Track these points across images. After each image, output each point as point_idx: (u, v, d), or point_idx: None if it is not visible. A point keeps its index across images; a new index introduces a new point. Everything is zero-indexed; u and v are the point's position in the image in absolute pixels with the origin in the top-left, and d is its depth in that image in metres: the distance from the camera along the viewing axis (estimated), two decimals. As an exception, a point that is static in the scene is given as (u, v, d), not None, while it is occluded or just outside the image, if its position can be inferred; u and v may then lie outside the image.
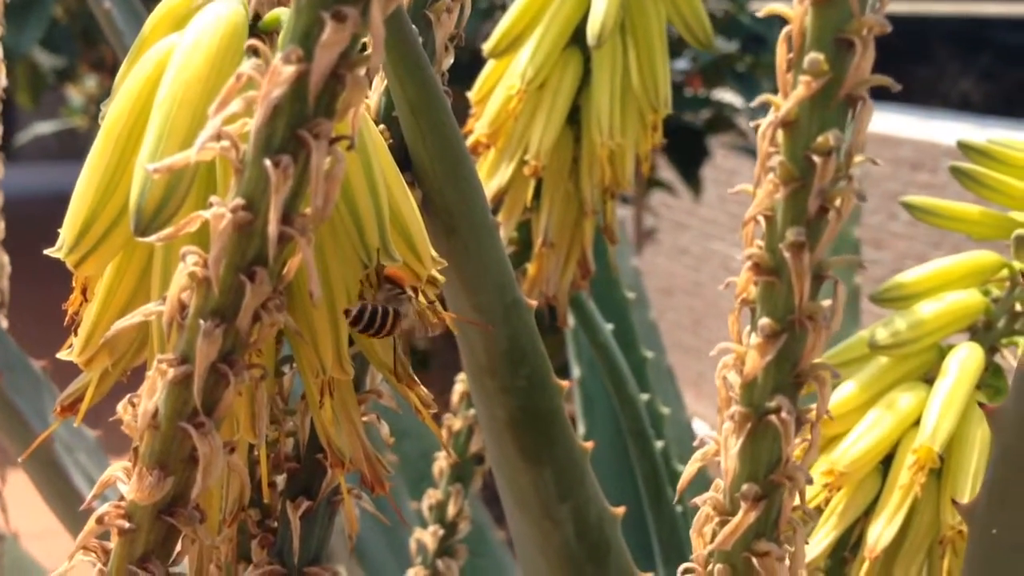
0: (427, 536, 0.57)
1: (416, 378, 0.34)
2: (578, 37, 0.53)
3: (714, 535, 0.27)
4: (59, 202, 0.33)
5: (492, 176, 0.53)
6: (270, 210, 0.23)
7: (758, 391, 0.26)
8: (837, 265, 0.25)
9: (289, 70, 0.22)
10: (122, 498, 0.27)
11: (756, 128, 0.25)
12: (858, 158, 0.25)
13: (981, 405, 0.41)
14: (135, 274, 0.30)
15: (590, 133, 0.52)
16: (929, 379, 0.47)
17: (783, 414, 0.25)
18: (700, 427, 2.68)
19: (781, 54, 0.24)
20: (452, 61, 0.37)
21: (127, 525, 0.27)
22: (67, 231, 0.29)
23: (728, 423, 0.26)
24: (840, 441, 0.45)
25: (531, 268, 0.54)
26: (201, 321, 0.25)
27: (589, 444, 0.45)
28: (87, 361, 0.31)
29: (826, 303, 0.25)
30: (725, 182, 2.72)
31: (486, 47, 0.53)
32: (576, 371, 0.75)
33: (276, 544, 0.38)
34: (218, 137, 0.23)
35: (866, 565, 0.44)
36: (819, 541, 0.44)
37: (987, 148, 0.49)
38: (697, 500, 0.27)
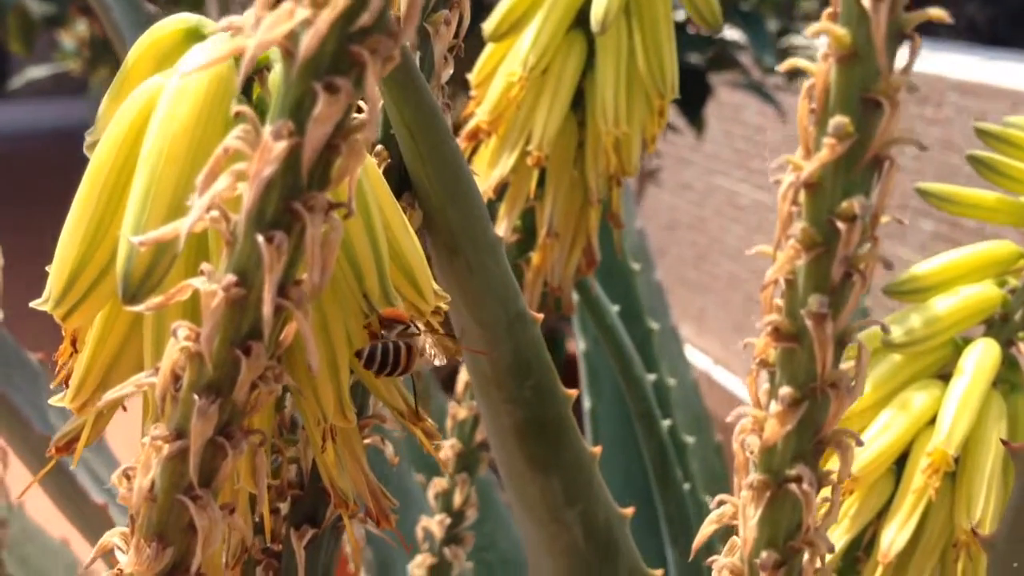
0: (433, 524, 0.57)
1: (421, 413, 0.33)
2: (581, 19, 0.51)
3: (731, 599, 0.26)
4: (53, 139, 0.31)
5: (494, 165, 0.51)
6: (264, 287, 0.22)
7: (778, 458, 0.25)
8: (859, 329, 0.24)
9: (280, 146, 0.21)
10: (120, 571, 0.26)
11: (762, 68, 0.24)
12: (885, 218, 0.23)
13: (1004, 443, 0.39)
14: (126, 320, 0.29)
15: (595, 121, 0.50)
16: (944, 375, 0.46)
17: (804, 485, 0.24)
18: (703, 361, 2.68)
19: (803, 110, 0.23)
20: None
21: (126, 595, 0.26)
22: (53, 283, 0.28)
23: (746, 491, 0.25)
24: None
25: (535, 257, 0.53)
26: (195, 396, 0.24)
27: (597, 449, 0.44)
28: (80, 407, 0.30)
29: (848, 365, 0.24)
30: (730, 118, 2.69)
31: (486, 30, 0.51)
32: (581, 344, 0.74)
33: (281, 570, 0.37)
34: (207, 206, 0.22)
35: (879, 570, 0.43)
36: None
37: (1004, 133, 0.47)
38: (714, 563, 0.26)
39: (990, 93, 2.13)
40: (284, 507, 0.37)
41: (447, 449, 0.57)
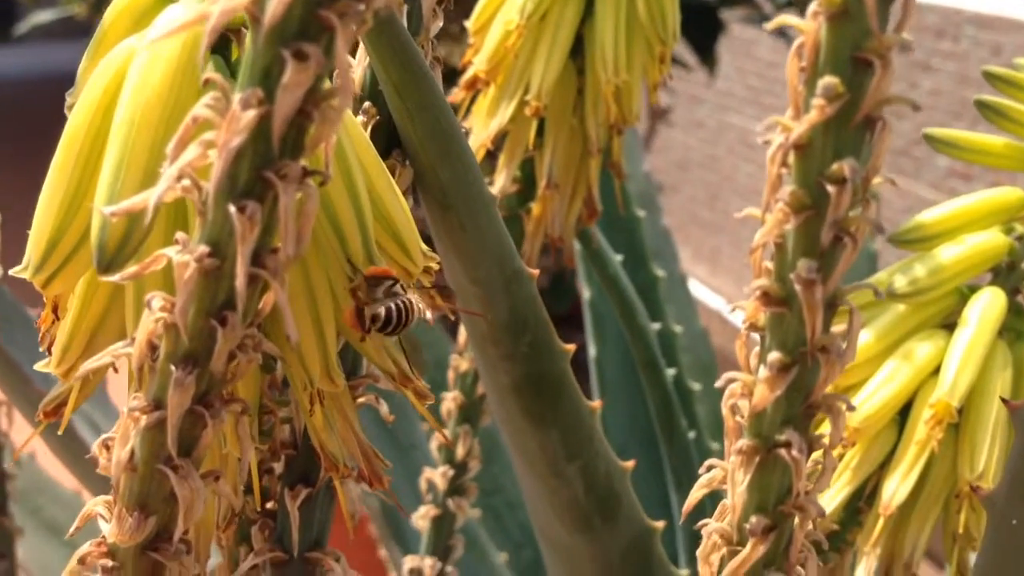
0: (437, 476, 0.57)
1: (413, 373, 0.32)
2: (580, -37, 0.50)
3: (722, 563, 0.25)
4: (60, 83, 0.31)
5: (492, 115, 0.50)
6: (236, 258, 0.21)
7: (767, 422, 0.24)
8: (852, 292, 0.23)
9: (249, 115, 0.20)
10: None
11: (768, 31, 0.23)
12: (876, 179, 0.23)
13: (1005, 401, 0.39)
14: (109, 285, 0.29)
15: (595, 69, 0.49)
16: (949, 325, 0.45)
17: (794, 451, 0.24)
18: (716, 301, 2.67)
19: (792, 69, 0.22)
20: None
21: (110, 564, 0.26)
22: (32, 250, 0.27)
23: (735, 456, 0.24)
24: (855, 394, 0.44)
25: (535, 209, 0.52)
26: (172, 367, 0.23)
27: (597, 403, 0.44)
28: (65, 373, 0.30)
29: (840, 328, 0.24)
30: (742, 53, 2.65)
31: (483, -25, 0.50)
32: (586, 292, 0.73)
33: (276, 529, 0.37)
34: (177, 176, 0.22)
35: (881, 521, 0.43)
36: (833, 496, 0.43)
37: (1012, 76, 0.46)
38: (703, 527, 0.26)
39: (1007, 26, 2.09)
40: (278, 467, 0.37)
41: (449, 401, 0.56)
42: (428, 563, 0.56)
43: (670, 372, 0.63)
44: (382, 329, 0.28)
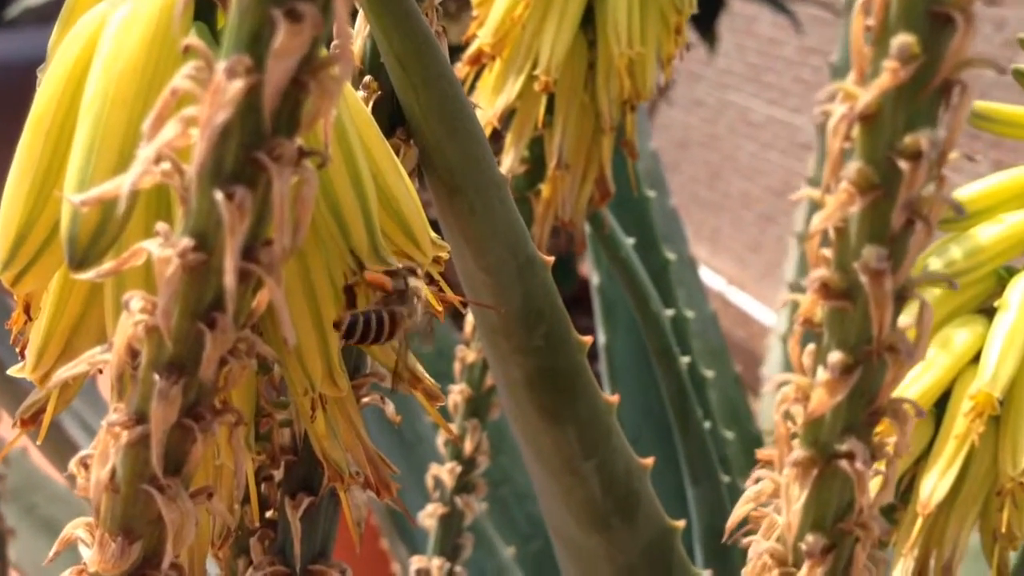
0: (444, 473, 0.54)
1: (420, 373, 0.30)
2: (590, -71, 0.47)
3: (772, 587, 0.23)
4: None
5: (499, 91, 0.47)
6: (225, 251, 0.19)
7: (826, 431, 0.21)
8: (925, 282, 0.21)
9: (235, 86, 0.17)
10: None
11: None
12: (954, 154, 0.20)
13: None
14: (87, 283, 0.26)
15: (607, 42, 0.46)
16: (987, 310, 0.43)
17: (857, 463, 0.21)
18: (716, 281, 2.64)
19: (857, 27, 0.19)
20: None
21: (92, 594, 0.23)
22: (-1, 245, 0.24)
23: (790, 469, 0.22)
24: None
25: (545, 190, 0.49)
26: (156, 376, 0.20)
27: (615, 398, 0.41)
28: (42, 379, 0.27)
29: (907, 321, 0.21)
30: (742, 30, 2.61)
31: (487, -57, 0.47)
32: (595, 278, 0.71)
33: (277, 540, 0.35)
34: (154, 158, 0.19)
35: (919, 521, 0.40)
36: (867, 494, 0.41)
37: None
38: (752, 548, 0.23)
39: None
40: (278, 474, 0.34)
41: (456, 394, 0.54)
42: (436, 563, 0.54)
43: (684, 360, 0.60)
44: (355, 340, 0.25)
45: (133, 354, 0.21)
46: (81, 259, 0.21)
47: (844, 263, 0.20)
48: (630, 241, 0.56)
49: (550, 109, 0.48)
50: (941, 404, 0.42)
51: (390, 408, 0.34)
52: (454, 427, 0.54)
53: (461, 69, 0.49)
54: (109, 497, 0.22)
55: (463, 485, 0.54)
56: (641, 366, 0.70)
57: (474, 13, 0.50)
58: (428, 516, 0.55)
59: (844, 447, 0.21)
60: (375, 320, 0.25)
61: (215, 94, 0.17)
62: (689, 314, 0.69)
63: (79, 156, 0.21)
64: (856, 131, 0.20)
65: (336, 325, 0.25)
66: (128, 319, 0.20)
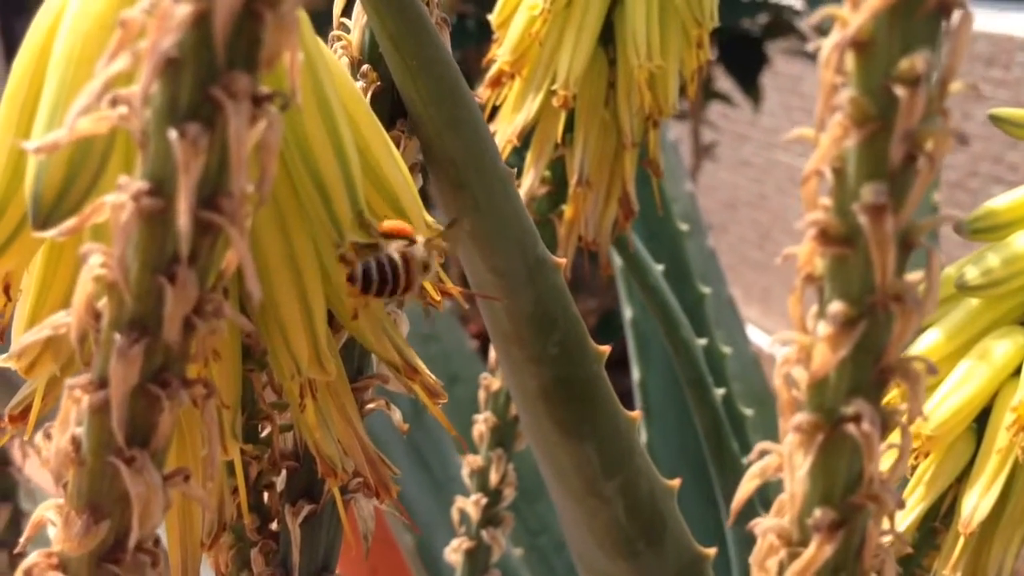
0: (469, 505, 0.53)
1: (419, 365, 0.28)
2: (608, -56, 0.46)
3: (781, 569, 0.21)
4: None
5: (518, 109, 0.47)
6: (179, 194, 0.18)
7: (831, 393, 0.20)
8: (929, 229, 0.19)
9: (182, 11, 0.17)
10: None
11: (817, 51, 0.19)
12: (955, 85, 0.19)
13: None
14: (71, 262, 0.25)
15: (626, 55, 0.45)
16: (1027, 321, 0.41)
17: (864, 425, 0.19)
18: (767, 341, 2.60)
19: (848, -50, 0.18)
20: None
21: (60, 577, 0.22)
22: (-26, 221, 0.24)
23: (793, 436, 0.20)
24: (925, 399, 0.39)
25: (567, 211, 0.48)
26: (117, 335, 0.20)
27: (636, 414, 0.39)
28: (28, 368, 0.27)
29: (915, 275, 0.20)
30: (788, 89, 2.61)
31: (504, -39, 0.47)
32: (628, 312, 0.69)
33: (280, 551, 0.33)
34: (99, 93, 0.18)
35: (961, 541, 0.38)
36: (906, 514, 0.39)
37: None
38: (756, 526, 0.21)
39: (1061, 51, 2.03)
40: (279, 482, 0.33)
41: (480, 423, 0.52)
42: (462, 600, 0.52)
43: (718, 392, 0.58)
44: (365, 291, 0.24)
45: (96, 316, 0.20)
46: (46, 217, 0.21)
47: (843, 206, 0.19)
48: (660, 267, 0.55)
49: (571, 127, 0.47)
50: (982, 419, 0.40)
51: (397, 415, 0.33)
52: (479, 458, 0.53)
53: (482, 92, 0.48)
54: (75, 471, 0.21)
55: (489, 518, 0.52)
56: (677, 404, 0.68)
57: (494, 36, 0.49)
58: (454, 551, 0.53)
59: (851, 410, 0.20)
60: (388, 264, 0.24)
61: (162, 19, 0.17)
62: (726, 350, 0.67)
63: (44, 115, 0.21)
64: (849, 61, 0.18)
65: (350, 279, 0.24)
66: (88, 273, 0.19)
